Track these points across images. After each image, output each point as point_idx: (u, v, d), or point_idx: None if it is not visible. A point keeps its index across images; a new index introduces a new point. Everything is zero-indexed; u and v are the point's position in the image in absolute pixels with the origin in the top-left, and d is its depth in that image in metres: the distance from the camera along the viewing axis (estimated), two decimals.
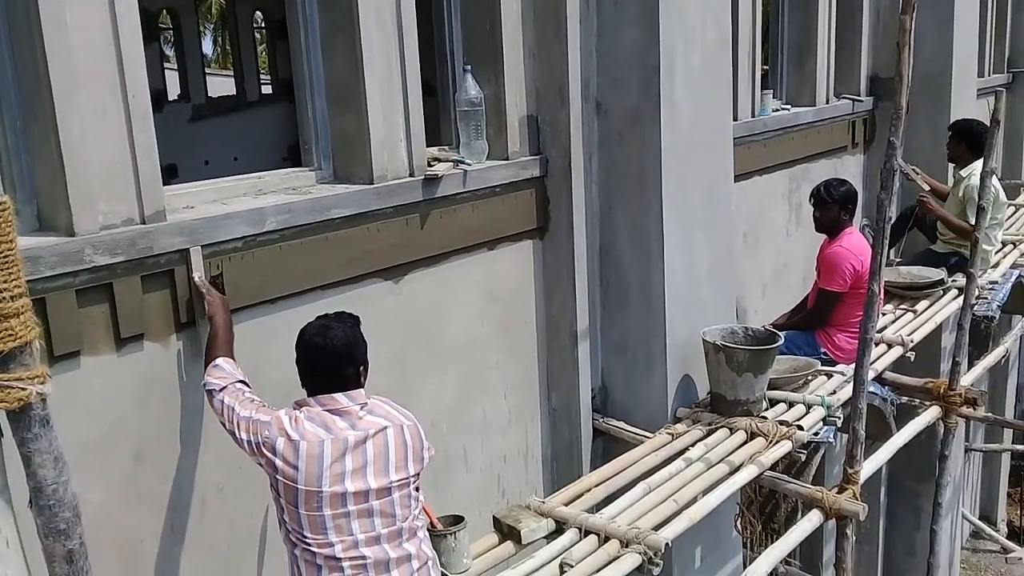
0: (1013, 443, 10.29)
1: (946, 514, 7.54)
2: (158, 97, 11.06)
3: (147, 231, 2.66)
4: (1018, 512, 10.81)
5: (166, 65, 12.73)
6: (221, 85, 13.17)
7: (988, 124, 4.27)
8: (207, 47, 23.58)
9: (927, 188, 4.71)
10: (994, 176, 4.34)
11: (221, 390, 2.58)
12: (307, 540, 2.46)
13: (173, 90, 12.07)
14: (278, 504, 2.50)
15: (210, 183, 3.13)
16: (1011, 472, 10.83)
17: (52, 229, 2.56)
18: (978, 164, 5.69)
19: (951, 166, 6.20)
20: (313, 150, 3.36)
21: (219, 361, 2.63)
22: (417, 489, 2.64)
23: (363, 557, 2.48)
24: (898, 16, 3.17)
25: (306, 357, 2.58)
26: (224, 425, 2.56)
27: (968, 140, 5.82)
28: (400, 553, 2.53)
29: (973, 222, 5.61)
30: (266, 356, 2.97)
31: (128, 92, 2.59)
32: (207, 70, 16.91)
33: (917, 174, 3.63)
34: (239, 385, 2.61)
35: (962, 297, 4.49)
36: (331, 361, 2.56)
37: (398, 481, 2.53)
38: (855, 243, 4.66)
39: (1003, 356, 5.55)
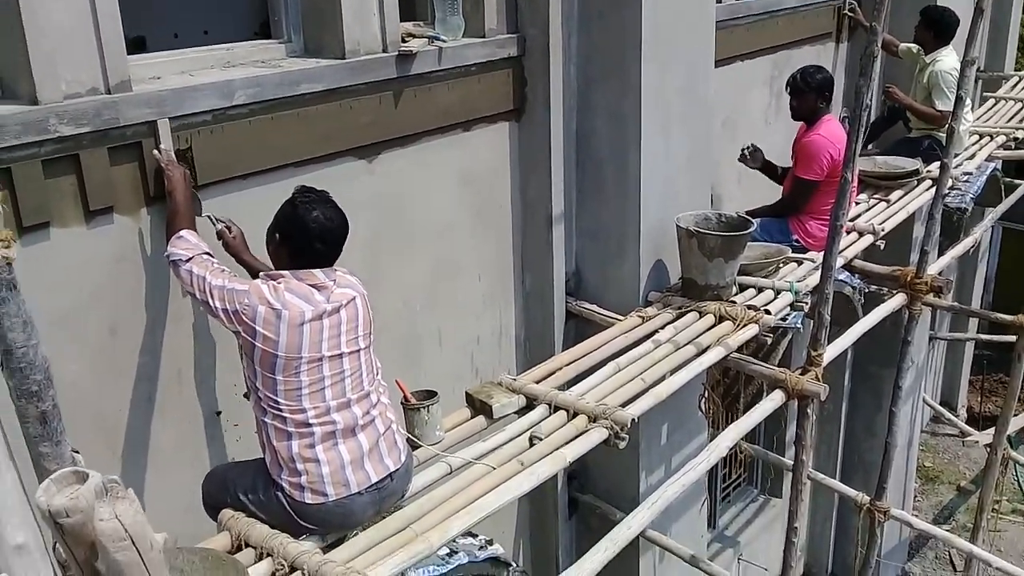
0: (978, 332, 10.57)
1: (907, 398, 7.81)
2: None
3: (112, 101, 2.60)
4: (979, 399, 11.21)
5: None
6: None
7: (962, 14, 4.18)
8: None
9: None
10: (973, 66, 4.29)
11: (188, 260, 2.58)
12: (279, 406, 2.53)
13: None
14: (251, 370, 2.55)
15: (177, 53, 3.04)
16: (974, 360, 11.17)
17: (15, 97, 2.50)
18: (943, 51, 5.66)
19: None
20: (283, 21, 3.26)
21: (183, 233, 2.63)
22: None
23: (333, 422, 2.57)
24: None
25: (301, 234, 2.56)
26: (194, 295, 2.58)
27: (936, 27, 5.79)
28: (367, 419, 2.63)
29: (938, 107, 5.62)
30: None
31: None
32: None
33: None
34: (205, 256, 2.61)
35: (935, 188, 4.50)
36: (330, 242, 2.60)
37: (364, 347, 2.65)
38: (832, 131, 4.65)
39: (971, 247, 5.64)
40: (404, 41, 3.46)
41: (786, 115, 5.20)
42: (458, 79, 3.68)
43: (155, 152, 2.71)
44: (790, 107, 4.85)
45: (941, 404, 10.52)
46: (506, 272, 4.20)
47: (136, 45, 3.47)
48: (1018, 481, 9.58)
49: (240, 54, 3.13)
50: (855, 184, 4.56)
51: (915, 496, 9.22)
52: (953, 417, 10.17)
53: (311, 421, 2.56)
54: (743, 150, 5.10)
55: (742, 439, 5.68)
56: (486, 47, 3.76)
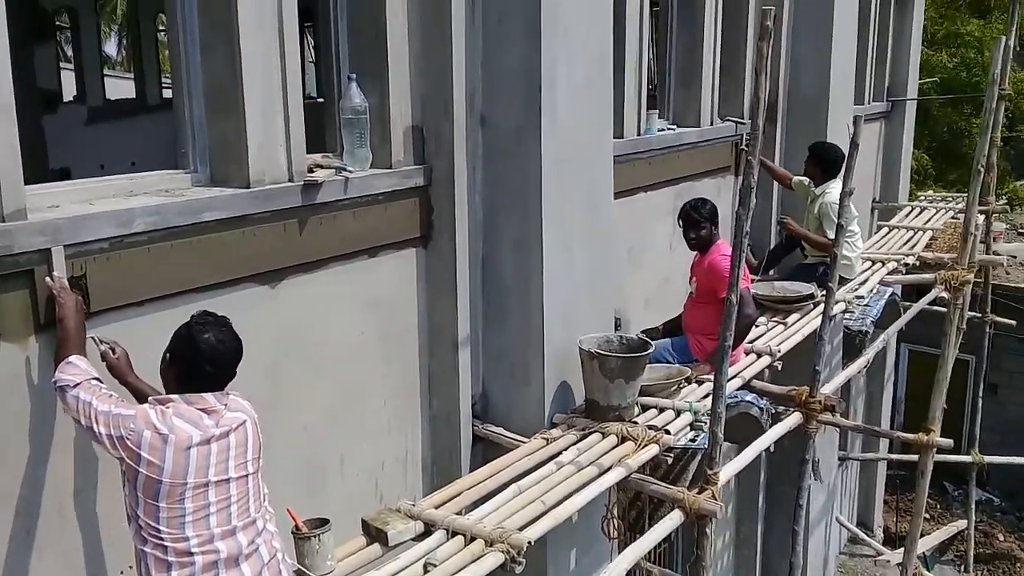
0: (889, 452, 10.86)
1: (820, 518, 7.97)
2: (52, 98, 10.67)
3: (5, 229, 2.62)
4: (894, 518, 11.40)
5: (63, 66, 12.27)
6: (125, 87, 12.80)
7: (846, 148, 4.54)
8: (112, 49, 22.78)
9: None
10: (851, 196, 4.63)
11: (76, 386, 2.56)
12: (161, 535, 2.47)
13: (71, 91, 11.67)
14: (133, 498, 2.50)
15: (79, 183, 3.10)
16: (888, 480, 11.43)
17: None
18: (832, 183, 6.09)
19: None
20: (190, 153, 3.34)
21: (72, 358, 2.62)
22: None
23: (216, 551, 2.52)
24: (757, 44, 3.37)
25: (193, 358, 2.58)
26: (79, 422, 2.54)
27: (823, 163, 6.23)
28: (251, 548, 2.59)
29: (829, 236, 6.02)
30: (134, 358, 2.93)
31: None
32: (112, 72, 16.38)
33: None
34: (94, 382, 2.59)
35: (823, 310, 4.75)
36: (224, 364, 2.62)
37: (252, 472, 2.63)
38: (728, 250, 4.88)
39: (864, 366, 5.89)
40: (311, 171, 3.58)
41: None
42: (365, 207, 3.80)
43: (47, 279, 2.71)
44: (687, 239, 5.06)
45: (858, 525, 10.67)
46: (412, 396, 4.22)
47: (62, 175, 3.51)
48: None
49: (144, 183, 3.19)
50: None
51: None
52: (867, 537, 10.31)
53: (193, 550, 2.50)
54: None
55: (652, 563, 5.69)
56: (392, 177, 3.90)
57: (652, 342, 4.36)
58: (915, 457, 6.49)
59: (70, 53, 12.60)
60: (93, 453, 2.90)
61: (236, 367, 2.67)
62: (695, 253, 5.09)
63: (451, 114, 3.96)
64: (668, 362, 4.84)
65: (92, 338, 2.82)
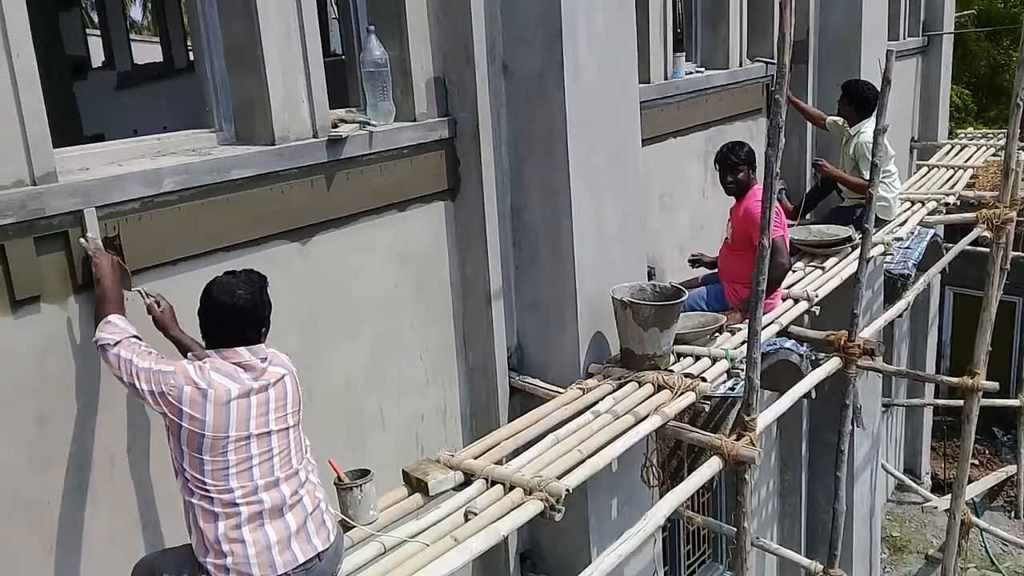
0: (935, 398, 10.71)
1: (865, 466, 7.89)
2: (81, 64, 10.75)
3: (37, 192, 2.66)
4: (942, 465, 11.27)
5: (90, 32, 12.34)
6: (153, 52, 12.84)
7: (880, 84, 4.41)
8: (137, 14, 22.84)
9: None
10: (884, 135, 4.51)
11: (116, 344, 2.60)
12: (207, 487, 2.52)
13: (100, 58, 11.75)
14: (178, 451, 2.55)
15: (108, 145, 3.13)
16: (934, 427, 11.28)
17: None
18: (866, 123, 5.92)
19: None
20: (214, 111, 3.36)
21: (111, 318, 2.66)
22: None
23: (261, 502, 2.56)
24: None
25: (211, 313, 2.63)
26: (122, 379, 2.59)
27: (856, 101, 6.07)
28: (295, 498, 2.63)
29: (866, 176, 5.89)
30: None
31: (12, 52, 2.57)
32: (139, 37, 16.43)
33: None
34: (133, 339, 2.64)
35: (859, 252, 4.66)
36: (236, 321, 2.64)
37: (293, 424, 2.67)
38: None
39: (904, 309, 5.78)
40: (335, 127, 3.57)
41: (721, 189, 5.38)
42: (391, 161, 3.79)
43: (81, 240, 2.75)
44: (723, 184, 4.97)
45: (905, 472, 10.56)
46: (448, 349, 4.23)
47: (95, 141, 3.54)
48: (985, 547, 9.57)
49: (171, 143, 3.21)
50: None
51: (884, 567, 9.17)
52: (914, 484, 10.20)
53: (238, 501, 2.55)
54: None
55: (695, 512, 5.68)
56: (417, 130, 3.88)
57: (685, 290, 4.30)
58: (962, 402, 6.41)
59: (96, 19, 12.63)
60: (139, 408, 2.96)
61: (260, 323, 2.68)
62: (732, 199, 5.00)
63: (472, 64, 3.92)
64: (703, 310, 4.79)
65: (138, 291, 2.87)
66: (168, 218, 3.00)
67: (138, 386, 2.56)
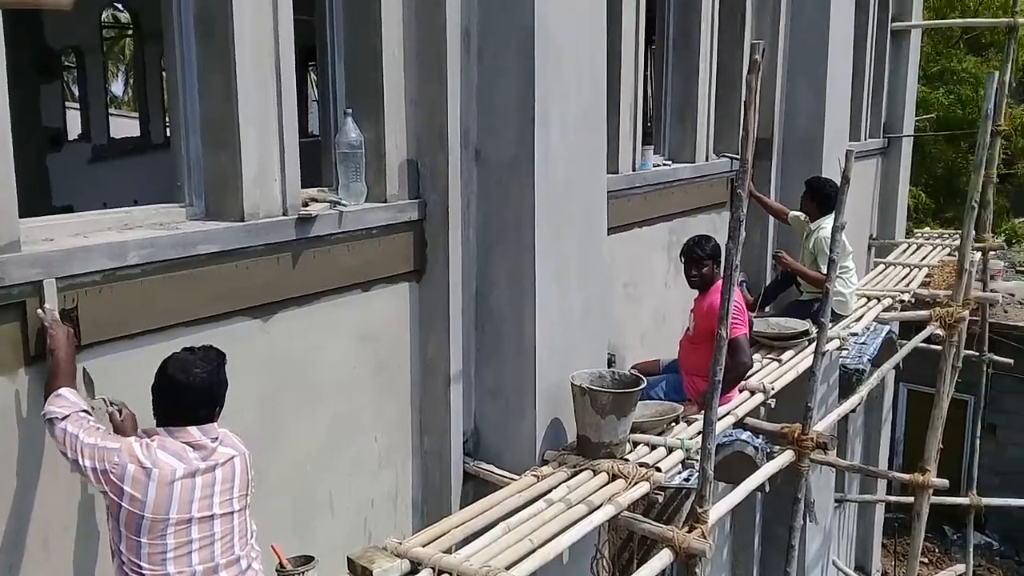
0: (887, 495, 10.77)
1: (816, 561, 7.89)
2: (57, 136, 10.78)
3: None
4: (892, 563, 11.29)
5: (69, 104, 12.39)
6: (131, 126, 12.93)
7: (840, 182, 4.57)
8: (118, 89, 23.03)
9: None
10: (843, 231, 4.65)
11: (64, 419, 2.56)
12: (143, 571, 2.48)
13: (76, 130, 11.78)
14: (116, 533, 2.51)
15: (75, 216, 3.13)
16: (886, 524, 11.31)
17: None
18: (827, 219, 6.09)
19: None
20: (186, 187, 3.37)
21: (62, 391, 2.62)
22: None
23: None
24: (746, 78, 3.40)
25: (166, 391, 2.62)
26: (66, 455, 2.54)
27: (818, 197, 6.26)
28: None
29: (824, 271, 6.04)
30: (126, 392, 2.94)
31: None
32: (118, 111, 16.52)
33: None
34: (82, 414, 2.60)
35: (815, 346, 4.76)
36: (191, 401, 2.62)
37: (239, 509, 2.63)
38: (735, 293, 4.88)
39: (858, 403, 5.87)
40: (306, 205, 3.61)
41: (685, 280, 5.48)
42: (359, 241, 3.82)
43: (38, 311, 2.72)
44: (688, 277, 5.03)
45: (855, 569, 10.54)
46: (404, 432, 4.20)
47: (64, 212, 3.53)
48: None
49: (139, 217, 3.21)
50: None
51: None
52: None
53: None
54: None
55: None
56: (387, 211, 3.93)
57: (644, 378, 4.34)
58: (906, 499, 6.45)
59: (76, 93, 12.70)
60: (80, 487, 2.89)
61: (215, 402, 2.66)
62: (695, 291, 5.08)
63: (446, 148, 3.99)
64: (661, 399, 4.82)
65: (102, 399, 2.85)
66: (129, 291, 2.98)
67: (81, 462, 2.51)
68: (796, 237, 6.66)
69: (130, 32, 14.27)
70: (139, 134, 11.83)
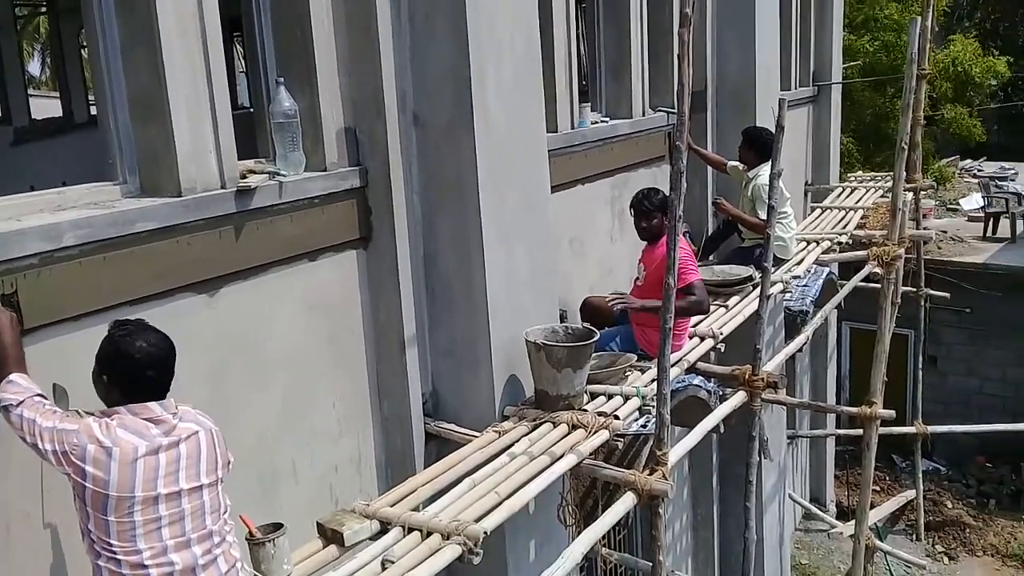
0: (837, 428, 11.13)
1: (773, 496, 8.13)
2: None
3: None
4: (846, 493, 11.69)
5: None
6: (52, 106, 12.54)
7: (775, 131, 4.66)
8: (35, 69, 22.24)
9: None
10: (779, 178, 4.76)
11: (19, 404, 2.51)
12: (113, 549, 2.44)
13: None
14: (83, 513, 2.47)
15: (4, 200, 3.02)
16: (837, 457, 11.72)
17: None
18: (764, 167, 6.22)
19: None
20: (118, 164, 3.30)
21: (13, 377, 2.56)
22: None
23: (171, 563, 2.49)
24: (678, 31, 3.44)
25: (131, 366, 2.54)
26: (24, 439, 2.49)
27: (755, 146, 6.38)
28: (208, 559, 2.57)
29: (762, 217, 6.17)
30: (69, 374, 2.88)
31: None
32: (37, 92, 15.96)
33: None
34: (37, 398, 2.55)
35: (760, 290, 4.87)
36: (163, 367, 2.58)
37: (208, 483, 2.60)
38: (681, 242, 4.96)
39: (804, 343, 6.04)
40: (244, 177, 3.56)
41: (629, 232, 5.56)
42: (301, 211, 3.78)
43: None
44: (638, 228, 5.15)
45: (811, 501, 10.91)
46: (362, 398, 4.21)
47: None
48: (890, 570, 9.93)
49: (72, 197, 3.13)
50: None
51: None
52: (820, 512, 10.55)
53: (147, 562, 2.47)
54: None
55: (611, 549, 5.74)
56: (328, 180, 3.89)
57: (597, 331, 4.40)
58: (861, 431, 6.68)
59: None
60: (40, 471, 2.84)
61: (173, 368, 2.63)
62: (642, 243, 5.16)
63: (383, 114, 3.96)
64: (613, 351, 4.90)
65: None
66: (69, 273, 2.91)
67: (41, 446, 2.47)
68: (735, 186, 6.79)
69: (44, 9, 13.81)
70: (61, 114, 11.49)
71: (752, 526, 5.04)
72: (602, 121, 6.04)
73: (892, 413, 6.33)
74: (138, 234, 3.12)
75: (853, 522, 7.50)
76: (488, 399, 4.28)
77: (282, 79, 3.73)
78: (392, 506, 3.43)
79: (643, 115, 6.40)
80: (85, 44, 12.65)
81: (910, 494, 10.67)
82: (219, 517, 2.65)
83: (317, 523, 3.30)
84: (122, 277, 3.07)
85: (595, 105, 6.18)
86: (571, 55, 5.48)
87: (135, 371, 2.54)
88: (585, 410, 4.20)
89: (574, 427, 4.07)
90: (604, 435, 3.99)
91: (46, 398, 2.60)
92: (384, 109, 3.97)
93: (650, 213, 5.03)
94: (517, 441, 3.97)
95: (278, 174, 3.67)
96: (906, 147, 6.47)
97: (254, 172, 3.67)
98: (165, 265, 3.22)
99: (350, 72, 3.97)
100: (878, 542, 8.35)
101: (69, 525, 2.83)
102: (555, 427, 4.08)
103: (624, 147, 6.16)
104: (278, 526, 3.00)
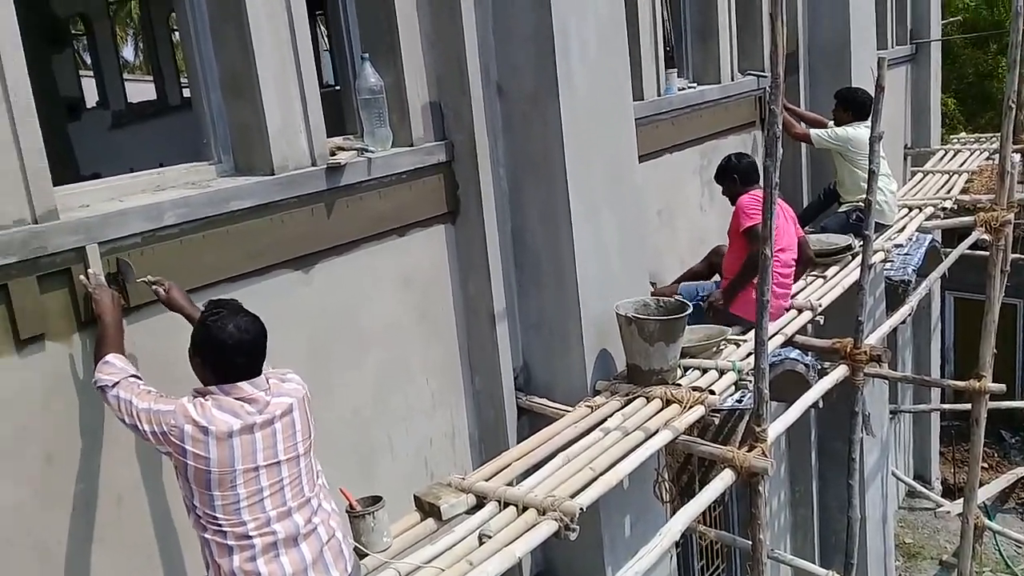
0: (941, 403, 10.68)
1: (875, 473, 7.85)
2: (75, 105, 10.81)
3: (39, 231, 2.65)
4: (952, 470, 11.23)
5: (83, 73, 12.44)
6: (146, 90, 12.97)
7: (874, 91, 4.44)
8: (129, 54, 23.01)
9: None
10: (880, 140, 4.53)
11: (114, 385, 2.57)
12: (219, 521, 2.49)
13: (93, 98, 11.84)
14: (187, 489, 2.52)
15: (107, 181, 3.12)
16: (942, 432, 11.25)
17: None
18: (855, 125, 5.96)
19: None
20: (212, 143, 3.36)
21: (109, 357, 2.63)
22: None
23: (274, 532, 2.53)
24: None
25: (221, 351, 2.56)
26: (123, 420, 2.56)
27: (851, 107, 6.11)
28: (309, 527, 2.60)
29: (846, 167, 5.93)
30: (171, 353, 2.96)
31: (10, 92, 2.57)
32: (133, 76, 16.54)
33: None
34: (132, 379, 2.60)
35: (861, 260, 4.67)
36: (253, 351, 2.60)
37: (304, 451, 2.63)
38: (754, 193, 4.82)
39: (907, 315, 5.77)
40: (333, 154, 3.58)
41: (719, 201, 5.42)
42: (390, 187, 3.79)
43: (82, 277, 2.74)
44: (723, 193, 5.17)
45: (915, 478, 10.52)
46: (454, 373, 4.21)
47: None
48: (999, 550, 9.51)
49: (171, 177, 3.21)
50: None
51: (898, 574, 9.09)
52: (925, 490, 10.15)
53: (251, 533, 2.52)
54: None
55: (707, 526, 5.64)
56: (415, 155, 3.89)
57: (690, 304, 4.29)
58: (968, 406, 6.38)
59: (88, 60, 12.74)
60: (146, 445, 2.92)
61: (264, 350, 2.65)
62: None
63: (467, 87, 3.93)
64: (699, 304, 4.79)
65: (143, 280, 2.82)
66: (170, 251, 2.99)
67: (140, 427, 2.53)
68: (825, 153, 6.51)
69: None
70: (156, 97, 11.86)
71: (856, 504, 4.87)
72: (689, 87, 5.88)
73: (1003, 387, 6.03)
74: (233, 212, 3.17)
75: (960, 500, 7.17)
76: (579, 373, 4.23)
77: (367, 55, 3.73)
78: (487, 480, 3.42)
79: (732, 80, 6.20)
80: (176, 27, 13.05)
81: (1020, 471, 10.16)
82: (314, 483, 2.68)
83: (414, 496, 3.32)
84: (220, 255, 3.13)
85: (682, 71, 6.01)
86: (656, 19, 5.34)
87: (226, 356, 2.56)
88: (679, 385, 4.11)
89: (668, 402, 3.98)
90: (700, 410, 3.90)
91: (140, 379, 2.65)
92: (468, 82, 3.93)
93: (723, 177, 5.10)
94: (610, 416, 3.91)
95: (366, 150, 3.69)
96: (1014, 106, 6.09)
97: (343, 149, 3.68)
98: (261, 242, 3.27)
99: (433, 45, 3.94)
100: (987, 521, 7.98)
101: (177, 496, 2.92)
102: (648, 402, 4.00)
103: (713, 114, 5.98)
104: (377, 499, 3.03)
